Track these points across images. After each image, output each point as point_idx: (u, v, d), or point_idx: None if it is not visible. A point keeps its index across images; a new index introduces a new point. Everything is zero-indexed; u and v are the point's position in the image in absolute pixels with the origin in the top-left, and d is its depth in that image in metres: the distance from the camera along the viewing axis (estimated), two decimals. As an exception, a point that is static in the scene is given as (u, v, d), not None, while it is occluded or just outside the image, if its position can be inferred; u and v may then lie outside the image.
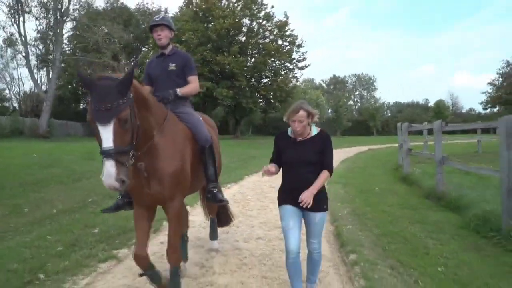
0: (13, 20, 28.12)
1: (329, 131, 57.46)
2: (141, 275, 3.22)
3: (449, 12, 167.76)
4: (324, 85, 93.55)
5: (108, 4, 41.76)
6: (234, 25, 36.19)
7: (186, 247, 4.40)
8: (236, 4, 38.62)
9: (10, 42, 28.07)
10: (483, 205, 5.96)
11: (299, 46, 39.28)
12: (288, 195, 3.26)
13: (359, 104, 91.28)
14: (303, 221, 3.31)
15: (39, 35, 30.16)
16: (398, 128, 13.39)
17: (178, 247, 3.40)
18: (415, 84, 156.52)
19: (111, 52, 31.02)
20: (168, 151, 3.14)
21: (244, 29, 38.46)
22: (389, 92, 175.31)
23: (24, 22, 28.99)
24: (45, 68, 36.15)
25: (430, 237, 5.09)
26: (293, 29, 39.83)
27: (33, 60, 28.90)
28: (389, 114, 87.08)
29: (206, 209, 4.92)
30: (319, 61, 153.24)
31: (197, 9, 38.31)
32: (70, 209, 6.93)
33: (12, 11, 28.18)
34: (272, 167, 3.26)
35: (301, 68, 41.09)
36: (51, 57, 29.68)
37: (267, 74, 39.81)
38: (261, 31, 38.94)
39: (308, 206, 3.04)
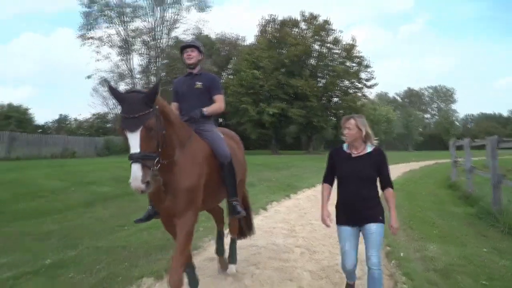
0: (124, 58, 33.96)
1: (400, 146, 57.18)
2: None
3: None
4: (399, 98, 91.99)
5: (193, 36, 46.99)
6: (305, 51, 39.21)
7: (223, 243, 4.64)
8: (306, 32, 41.74)
9: (121, 76, 33.79)
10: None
11: (367, 66, 41.19)
12: (344, 212, 3.32)
13: (436, 117, 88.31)
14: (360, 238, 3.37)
15: (141, 69, 35.71)
16: (451, 144, 15.13)
17: (180, 268, 3.17)
18: (501, 94, 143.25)
19: (200, 81, 35.37)
20: (185, 168, 3.24)
21: (314, 54, 41.29)
22: (472, 104, 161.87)
23: (132, 59, 34.72)
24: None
25: (442, 219, 7.40)
26: (361, 52, 41.82)
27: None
28: (465, 127, 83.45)
29: (228, 228, 4.83)
30: (393, 73, 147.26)
31: (272, 38, 42.01)
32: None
33: (122, 51, 33.99)
34: (328, 215, 3.40)
35: (370, 87, 42.85)
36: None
37: (336, 93, 42.13)
38: (330, 54, 41.50)
39: (396, 232, 3.30)
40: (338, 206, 3.40)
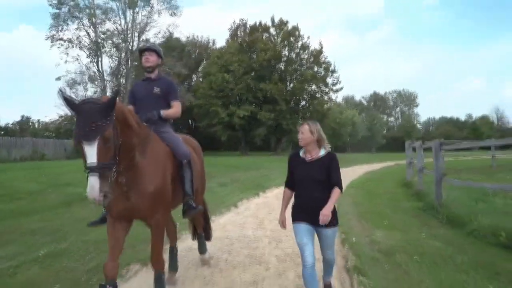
0: (94, 60, 33.67)
1: (364, 148, 59.11)
2: (102, 286, 3.17)
3: (496, 24, 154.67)
4: (364, 102, 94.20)
5: (164, 39, 46.96)
6: (275, 56, 40.23)
7: (176, 258, 4.55)
8: (276, 37, 42.80)
9: (92, 79, 33.48)
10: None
11: (333, 72, 42.67)
12: (300, 212, 3.44)
13: (399, 121, 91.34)
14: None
15: (111, 71, 35.54)
16: (407, 146, 16.31)
17: (161, 253, 3.54)
18: (462, 98, 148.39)
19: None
20: (150, 169, 3.28)
21: (284, 59, 42.38)
22: (434, 107, 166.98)
23: (101, 61, 34.46)
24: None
25: (393, 213, 8.31)
26: (327, 57, 43.30)
27: (108, 92, 34.10)
28: (427, 130, 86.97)
29: (194, 226, 5.05)
30: (361, 77, 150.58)
31: (242, 42, 42.79)
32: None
33: (91, 53, 33.73)
34: (284, 219, 3.61)
35: (336, 91, 44.36)
36: (121, 88, 34.38)
37: (304, 97, 43.39)
38: (298, 59, 42.72)
39: (326, 224, 3.25)
40: (294, 207, 3.56)
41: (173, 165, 3.71)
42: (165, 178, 3.47)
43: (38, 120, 53.43)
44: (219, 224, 7.74)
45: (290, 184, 3.65)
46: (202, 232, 5.00)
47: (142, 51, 4.04)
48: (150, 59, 3.96)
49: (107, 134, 2.66)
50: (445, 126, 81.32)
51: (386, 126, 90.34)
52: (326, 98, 44.49)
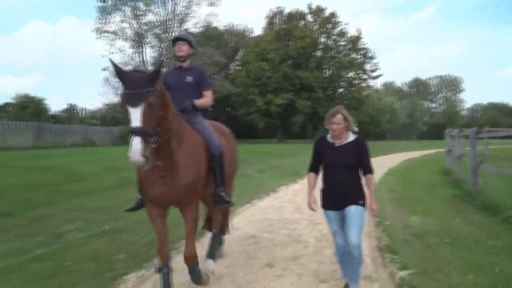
0: (137, 51, 35.08)
1: (405, 135, 57.53)
2: (158, 270, 3.47)
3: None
4: (405, 88, 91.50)
5: (203, 29, 47.64)
6: (311, 44, 39.99)
7: (215, 245, 4.47)
8: (313, 24, 42.42)
9: (136, 69, 34.84)
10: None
11: (371, 58, 41.90)
12: (328, 197, 3.49)
13: (443, 107, 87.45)
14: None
15: (153, 61, 36.76)
16: (446, 134, 16.07)
17: (193, 248, 3.53)
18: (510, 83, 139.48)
19: (210, 72, 36.54)
20: (186, 162, 3.32)
21: (320, 46, 42.05)
22: (481, 93, 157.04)
23: (145, 51, 35.80)
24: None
25: (429, 199, 8.44)
26: (365, 43, 42.52)
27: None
28: (473, 117, 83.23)
29: (210, 221, 4.73)
30: (401, 62, 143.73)
31: (279, 30, 42.77)
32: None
33: (135, 44, 35.10)
34: (313, 201, 3.57)
35: (374, 78, 43.60)
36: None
37: (342, 84, 42.96)
38: (335, 46, 42.22)
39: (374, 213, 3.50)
40: (323, 192, 3.56)
41: (206, 157, 3.74)
42: (199, 171, 3.51)
43: (84, 108, 56.06)
44: (259, 207, 8.23)
45: (315, 168, 3.65)
46: (218, 231, 4.64)
47: (175, 40, 4.08)
48: (183, 49, 3.97)
49: (151, 101, 2.76)
50: (492, 112, 77.53)
51: (429, 113, 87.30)
52: (364, 85, 43.84)
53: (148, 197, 3.43)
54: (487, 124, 51.85)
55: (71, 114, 56.16)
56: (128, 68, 3.41)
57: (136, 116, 2.70)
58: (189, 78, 3.97)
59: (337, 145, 3.47)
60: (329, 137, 3.56)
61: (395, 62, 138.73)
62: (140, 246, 5.12)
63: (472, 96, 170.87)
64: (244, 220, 6.83)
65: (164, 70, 27.59)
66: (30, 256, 4.46)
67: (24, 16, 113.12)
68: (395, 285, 3.74)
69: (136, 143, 2.62)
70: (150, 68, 35.99)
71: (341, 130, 3.43)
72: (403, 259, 4.21)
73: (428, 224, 5.84)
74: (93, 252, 4.71)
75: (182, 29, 36.68)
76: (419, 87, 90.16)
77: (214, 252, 4.44)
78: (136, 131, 2.66)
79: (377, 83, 57.06)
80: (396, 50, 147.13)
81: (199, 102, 3.91)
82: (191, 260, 3.51)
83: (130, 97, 2.74)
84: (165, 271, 3.42)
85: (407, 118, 67.66)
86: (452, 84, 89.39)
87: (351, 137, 3.50)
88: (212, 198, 3.99)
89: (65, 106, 51.95)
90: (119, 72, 2.82)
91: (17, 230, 5.48)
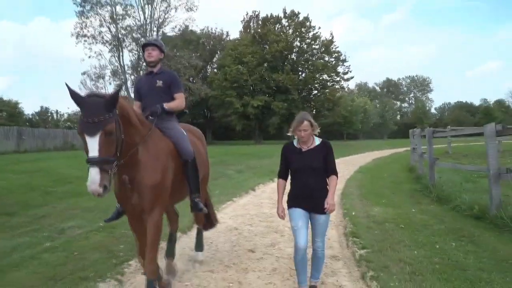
0: (116, 55, 35.15)
1: (376, 135, 59.31)
2: (144, 273, 3.42)
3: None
4: (377, 88, 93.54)
5: (180, 32, 47.84)
6: (287, 47, 41.00)
7: (174, 246, 4.52)
8: (287, 28, 43.47)
9: (115, 73, 34.99)
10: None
11: (344, 61, 43.26)
12: (296, 199, 3.51)
13: (413, 107, 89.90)
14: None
15: (131, 65, 36.88)
16: (410, 133, 17.14)
17: (154, 260, 3.38)
18: (478, 83, 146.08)
19: (188, 75, 36.94)
20: (149, 165, 3.26)
21: (295, 49, 43.14)
22: (450, 93, 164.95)
23: (123, 56, 35.89)
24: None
25: (392, 193, 9.33)
26: (338, 46, 43.96)
27: (129, 85, 35.52)
28: (442, 116, 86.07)
29: (194, 218, 4.96)
30: (374, 63, 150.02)
31: (255, 34, 43.62)
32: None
33: (113, 48, 35.15)
34: (283, 210, 3.62)
35: (347, 80, 45.04)
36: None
37: (316, 86, 44.16)
38: (309, 49, 43.39)
39: (331, 211, 3.44)
40: (290, 195, 3.60)
41: (176, 163, 3.67)
42: (164, 174, 3.41)
43: (56, 111, 55.22)
44: (240, 204, 8.88)
45: (283, 175, 3.70)
46: (202, 227, 4.87)
47: (144, 46, 4.06)
48: (153, 54, 3.97)
49: (109, 128, 2.68)
50: (458, 111, 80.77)
51: (400, 112, 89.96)
52: (337, 86, 45.22)
53: (123, 208, 3.43)
54: (452, 123, 54.24)
55: (45, 117, 55.10)
56: (88, 92, 2.94)
57: (93, 146, 2.64)
58: (159, 83, 3.96)
59: (304, 150, 3.56)
60: (295, 143, 3.65)
61: (368, 63, 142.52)
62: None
63: (443, 95, 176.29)
64: (226, 216, 7.47)
65: (141, 73, 27.98)
66: (41, 248, 4.95)
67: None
68: (355, 261, 4.51)
69: (94, 173, 2.60)
70: (129, 72, 36.43)
71: (308, 136, 3.52)
72: (364, 241, 5.00)
73: (388, 214, 6.69)
74: (96, 244, 5.26)
75: (160, 32, 37.03)
76: (390, 87, 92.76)
77: (201, 245, 4.77)
78: (92, 162, 2.62)
79: (350, 85, 58.74)
80: (369, 51, 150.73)
81: (168, 105, 3.88)
82: (151, 270, 3.32)
83: (86, 126, 2.66)
84: (155, 284, 3.32)
85: (379, 118, 69.77)
86: (421, 84, 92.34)
87: (317, 141, 3.60)
88: (190, 204, 3.99)
89: (37, 109, 50.89)
90: (74, 97, 2.73)
91: (23, 228, 5.93)
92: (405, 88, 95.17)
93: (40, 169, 11.15)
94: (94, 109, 2.66)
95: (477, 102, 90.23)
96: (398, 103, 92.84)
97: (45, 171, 10.87)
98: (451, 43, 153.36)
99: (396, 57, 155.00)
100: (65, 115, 51.47)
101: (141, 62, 36.36)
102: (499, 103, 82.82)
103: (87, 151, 2.67)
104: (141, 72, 36.15)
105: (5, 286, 3.83)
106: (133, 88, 3.49)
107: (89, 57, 35.16)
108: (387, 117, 72.54)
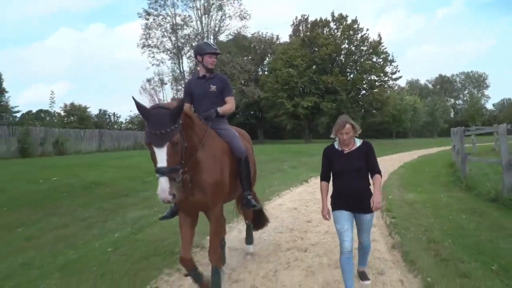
0: (176, 62, 38.34)
1: (426, 133, 57.82)
2: (186, 275, 3.53)
3: None
4: (430, 85, 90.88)
5: (232, 37, 50.06)
6: (335, 50, 42.02)
7: (224, 251, 4.50)
8: (336, 31, 44.44)
9: (176, 79, 38.13)
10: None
11: (392, 61, 43.49)
12: (340, 200, 3.55)
13: (473, 103, 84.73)
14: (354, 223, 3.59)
15: (190, 71, 39.76)
16: (451, 132, 17.80)
17: (218, 248, 3.60)
18: None
19: (242, 79, 39.31)
20: (209, 164, 3.41)
21: (343, 52, 44.00)
22: (504, 88, 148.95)
23: (182, 63, 38.96)
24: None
25: (429, 184, 10.55)
26: (385, 47, 44.14)
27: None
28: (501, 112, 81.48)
29: (243, 215, 5.13)
30: (427, 59, 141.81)
31: (304, 38, 45.03)
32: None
33: (173, 56, 38.36)
34: (326, 212, 3.65)
35: (395, 79, 45.19)
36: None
37: (364, 87, 44.73)
38: (357, 51, 44.06)
39: (377, 210, 3.46)
40: (334, 195, 3.63)
41: (231, 161, 3.81)
42: (223, 172, 3.57)
43: (114, 114, 59.68)
44: (296, 192, 10.52)
45: (326, 178, 3.72)
46: (251, 223, 5.05)
47: (208, 52, 4.04)
48: (215, 61, 4.10)
49: (175, 139, 2.81)
50: (510, 108, 76.57)
51: (455, 109, 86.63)
52: (385, 86, 45.43)
53: (180, 206, 3.52)
54: (507, 120, 51.88)
55: (102, 119, 59.42)
56: (153, 104, 3.31)
57: (161, 157, 2.76)
58: (213, 88, 4.04)
59: (346, 151, 3.61)
60: (336, 145, 3.69)
61: (421, 59, 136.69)
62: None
63: (500, 91, 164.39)
64: (286, 200, 9.16)
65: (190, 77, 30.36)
66: (156, 217, 6.31)
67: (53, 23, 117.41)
68: (386, 226, 6.06)
69: (164, 182, 2.73)
70: (187, 77, 39.16)
71: (351, 139, 3.59)
72: (394, 214, 6.51)
73: (419, 198, 8.07)
74: (151, 235, 5.87)
75: (215, 40, 39.64)
76: (443, 84, 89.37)
77: (250, 239, 5.02)
78: (161, 172, 2.75)
79: (398, 84, 58.08)
80: (421, 47, 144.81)
81: (222, 109, 3.99)
82: (216, 259, 3.58)
83: (154, 137, 2.78)
84: (192, 273, 3.48)
85: (429, 116, 68.12)
86: (477, 81, 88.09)
87: (358, 142, 3.66)
88: (242, 200, 4.19)
89: (97, 112, 55.27)
90: (141, 110, 2.86)
91: (136, 205, 7.94)
92: (459, 85, 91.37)
93: (129, 165, 13.41)
94: (161, 121, 2.78)
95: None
96: (452, 100, 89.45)
97: (133, 166, 13.06)
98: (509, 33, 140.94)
99: (449, 52, 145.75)
100: (127, 118, 55.47)
101: (198, 68, 38.86)
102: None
103: (155, 161, 2.81)
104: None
105: (142, 240, 5.60)
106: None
107: (152, 65, 38.63)
108: (437, 115, 70.50)
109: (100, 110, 61.04)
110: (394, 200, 7.97)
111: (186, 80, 38.36)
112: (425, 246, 4.77)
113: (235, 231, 6.16)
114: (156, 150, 2.77)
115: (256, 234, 5.57)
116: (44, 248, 5.04)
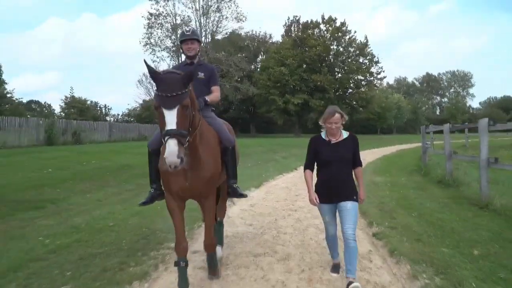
0: (175, 59, 40.04)
1: (410, 130, 60.30)
2: (176, 264, 3.40)
3: None
4: (417, 83, 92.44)
5: (227, 35, 51.68)
6: (324, 50, 44.15)
7: (222, 232, 4.53)
8: (325, 32, 46.53)
9: (169, 70, 39.69)
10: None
11: (377, 62, 45.82)
12: (323, 191, 3.56)
13: (454, 102, 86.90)
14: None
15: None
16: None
17: (212, 236, 3.64)
18: None
19: (237, 76, 41.16)
20: (207, 155, 3.33)
21: (332, 52, 46.17)
22: (493, 87, 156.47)
23: (181, 60, 40.40)
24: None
25: (396, 171, 12.64)
26: (371, 49, 46.49)
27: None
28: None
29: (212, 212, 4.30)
30: (417, 57, 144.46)
31: (296, 38, 47.05)
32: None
33: (173, 53, 40.05)
34: (314, 196, 3.55)
35: (380, 79, 47.69)
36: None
37: (351, 86, 47.04)
38: (345, 52, 46.28)
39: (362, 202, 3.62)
40: (318, 185, 3.62)
41: (220, 149, 3.74)
42: (217, 164, 3.55)
43: (105, 105, 60.64)
44: (288, 177, 12.48)
45: (311, 167, 3.70)
46: (222, 219, 4.68)
47: (183, 41, 3.92)
48: (192, 47, 3.90)
49: (186, 103, 2.76)
50: (489, 108, 79.11)
51: (440, 107, 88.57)
52: (373, 84, 47.83)
53: (169, 191, 3.40)
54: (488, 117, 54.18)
55: (94, 111, 59.76)
56: (163, 70, 3.20)
57: (171, 119, 2.70)
58: (201, 75, 3.92)
59: (333, 142, 3.58)
60: (323, 135, 3.65)
61: (410, 57, 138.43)
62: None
63: (486, 89, 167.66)
64: (280, 182, 11.12)
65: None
66: None
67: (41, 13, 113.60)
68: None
69: (173, 145, 2.61)
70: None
71: (339, 128, 3.57)
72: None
73: (384, 180, 10.14)
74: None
75: (210, 39, 41.45)
76: (430, 82, 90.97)
77: (221, 238, 4.52)
78: (171, 134, 2.66)
79: (383, 83, 60.29)
80: (412, 44, 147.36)
81: (209, 98, 3.89)
82: (210, 247, 3.66)
83: (165, 100, 2.72)
84: (181, 265, 3.40)
85: (412, 114, 70.64)
86: (462, 79, 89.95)
87: (345, 134, 3.64)
88: (228, 189, 4.04)
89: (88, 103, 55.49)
90: (152, 73, 2.80)
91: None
92: (445, 83, 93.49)
93: (145, 152, 15.29)
94: (172, 84, 2.73)
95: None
96: (438, 98, 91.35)
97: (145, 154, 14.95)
98: (504, 32, 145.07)
99: (438, 50, 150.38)
100: (124, 110, 56.23)
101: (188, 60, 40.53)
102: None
103: (163, 125, 2.72)
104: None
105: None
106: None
107: (153, 61, 40.20)
108: (420, 113, 73.11)
109: (91, 101, 61.69)
110: (364, 181, 10.00)
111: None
112: (376, 205, 6.81)
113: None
114: (166, 112, 2.72)
115: (259, 201, 7.55)
116: (115, 205, 6.96)
